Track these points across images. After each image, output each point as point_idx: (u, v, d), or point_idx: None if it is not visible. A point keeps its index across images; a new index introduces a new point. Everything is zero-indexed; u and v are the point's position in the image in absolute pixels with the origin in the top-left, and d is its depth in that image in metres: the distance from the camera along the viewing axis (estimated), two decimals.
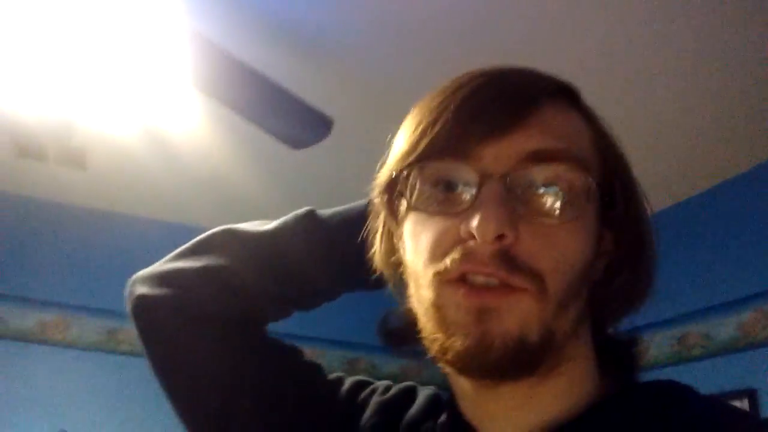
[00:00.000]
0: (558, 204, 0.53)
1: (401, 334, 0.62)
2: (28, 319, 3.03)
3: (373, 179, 0.62)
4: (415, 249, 0.56)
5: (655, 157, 2.52)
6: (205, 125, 2.45)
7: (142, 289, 0.74)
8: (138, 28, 1.70)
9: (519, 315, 0.51)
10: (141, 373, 2.98)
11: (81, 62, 1.89)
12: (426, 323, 0.55)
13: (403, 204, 0.57)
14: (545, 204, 0.53)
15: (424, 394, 0.70)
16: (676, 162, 2.60)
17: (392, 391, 0.72)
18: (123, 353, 3.09)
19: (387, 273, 0.63)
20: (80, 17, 1.68)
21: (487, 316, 0.51)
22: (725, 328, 2.61)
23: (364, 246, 0.65)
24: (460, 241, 0.52)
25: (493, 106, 0.53)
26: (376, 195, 0.61)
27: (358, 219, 0.68)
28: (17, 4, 1.65)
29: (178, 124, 2.47)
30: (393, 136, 0.62)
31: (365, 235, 0.66)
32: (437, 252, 0.53)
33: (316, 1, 1.97)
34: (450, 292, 0.53)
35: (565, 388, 0.57)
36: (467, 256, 0.52)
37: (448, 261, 0.52)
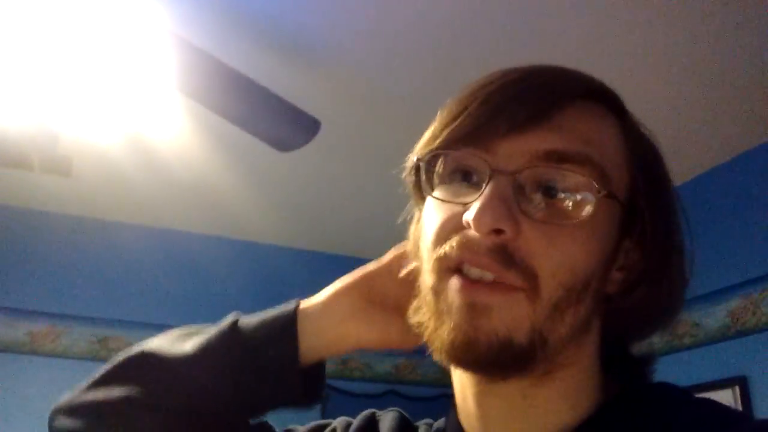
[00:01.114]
0: (565, 207, 0.53)
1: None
2: (17, 330, 3.00)
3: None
4: (424, 232, 0.57)
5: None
6: (189, 130, 2.44)
7: (64, 422, 0.72)
8: (122, 33, 1.68)
9: (509, 315, 0.51)
10: None
11: (64, 69, 1.88)
12: (424, 307, 0.56)
13: (425, 187, 0.59)
14: (552, 205, 0.53)
15: (387, 417, 0.70)
16: (665, 149, 2.61)
17: (353, 426, 0.71)
18: None
19: (414, 250, 0.63)
20: (63, 25, 1.67)
21: (477, 313, 0.51)
22: (715, 316, 2.63)
23: (292, 362, 0.65)
24: (460, 228, 0.53)
25: (515, 103, 0.54)
26: (404, 178, 0.62)
27: (283, 330, 0.66)
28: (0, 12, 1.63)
29: (162, 130, 2.46)
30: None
31: (290, 348, 0.65)
32: (440, 236, 0.55)
33: (303, 4, 1.97)
34: (447, 281, 0.53)
35: (563, 393, 0.57)
36: (465, 244, 0.52)
37: (447, 247, 0.53)
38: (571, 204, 0.52)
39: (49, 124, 2.28)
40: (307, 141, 1.96)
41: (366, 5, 1.97)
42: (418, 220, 0.62)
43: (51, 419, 0.74)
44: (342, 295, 0.68)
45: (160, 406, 0.68)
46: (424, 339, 0.56)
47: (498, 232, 0.51)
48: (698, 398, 0.57)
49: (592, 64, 2.13)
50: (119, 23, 1.66)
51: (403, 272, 0.67)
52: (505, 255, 0.51)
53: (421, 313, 0.57)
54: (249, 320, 0.69)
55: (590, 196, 0.52)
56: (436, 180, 0.57)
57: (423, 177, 0.58)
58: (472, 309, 0.51)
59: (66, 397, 0.74)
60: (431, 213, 0.57)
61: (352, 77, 2.25)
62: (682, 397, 0.57)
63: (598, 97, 0.58)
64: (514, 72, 0.57)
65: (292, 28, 2.05)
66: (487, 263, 0.51)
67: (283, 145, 1.99)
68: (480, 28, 2.03)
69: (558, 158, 0.53)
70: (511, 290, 0.52)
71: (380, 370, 3.52)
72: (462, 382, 0.60)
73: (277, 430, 0.74)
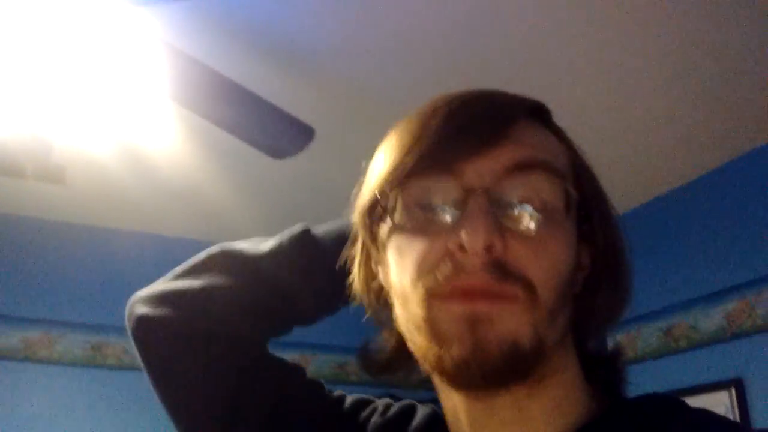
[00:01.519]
0: (540, 213, 0.54)
1: (383, 362, 0.64)
2: (12, 338, 2.99)
3: (352, 195, 0.62)
4: (401, 268, 0.56)
5: (638, 152, 2.53)
6: (182, 138, 2.44)
7: (143, 310, 0.74)
8: (115, 43, 1.68)
9: (511, 321, 0.52)
10: (128, 386, 2.98)
11: (57, 78, 1.87)
12: (418, 339, 0.55)
13: (385, 226, 0.58)
14: (529, 214, 0.54)
15: (422, 413, 0.70)
16: (659, 156, 2.62)
17: (391, 411, 0.71)
18: (110, 367, 3.06)
19: (367, 299, 0.63)
20: (56, 34, 1.66)
21: (480, 324, 0.51)
22: (711, 318, 2.64)
23: None
24: (448, 254, 0.52)
25: (473, 125, 0.55)
26: (356, 219, 0.61)
27: (348, 236, 0.68)
28: None
29: (156, 138, 2.45)
30: (374, 145, 0.63)
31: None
32: (424, 267, 0.53)
33: (296, 12, 1.96)
34: (442, 305, 0.53)
35: (555, 402, 0.57)
36: (458, 270, 0.52)
37: (438, 276, 0.52)
38: (546, 210, 0.54)
39: (42, 132, 2.27)
40: (301, 148, 1.96)
41: (360, 13, 1.96)
42: (380, 261, 0.60)
43: (130, 308, 0.76)
44: None
45: (238, 297, 0.72)
46: (429, 365, 0.55)
47: (489, 249, 0.51)
48: (693, 408, 0.57)
49: (574, 71, 2.13)
50: (112, 33, 1.66)
51: None
52: (499, 268, 0.52)
53: (419, 345, 0.55)
54: (318, 228, 0.76)
55: (560, 198, 0.54)
56: (399, 214, 0.55)
57: (389, 211, 0.56)
58: (475, 321, 0.51)
59: (146, 289, 0.77)
60: (405, 246, 0.55)
61: (346, 84, 2.25)
62: (678, 407, 0.57)
63: (537, 114, 0.60)
64: (457, 97, 0.58)
65: (285, 36, 2.05)
66: (487, 281, 0.51)
67: (278, 152, 1.98)
68: (474, 35, 2.03)
69: (524, 167, 0.54)
70: (509, 299, 0.52)
71: None
72: (454, 403, 0.60)
73: (328, 390, 0.76)
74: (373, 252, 0.61)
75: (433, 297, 0.53)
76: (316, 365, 3.38)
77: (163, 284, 0.76)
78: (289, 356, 0.76)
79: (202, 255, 0.76)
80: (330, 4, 1.94)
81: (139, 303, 0.75)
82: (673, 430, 0.55)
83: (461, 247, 0.51)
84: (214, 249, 0.76)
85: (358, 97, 2.31)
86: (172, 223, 3.22)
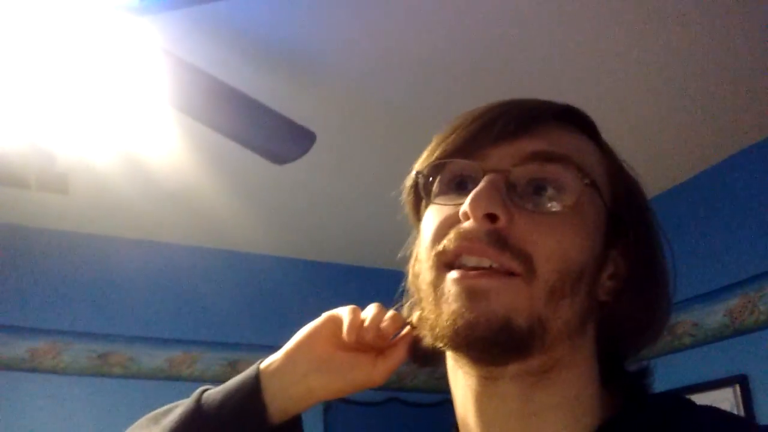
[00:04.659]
0: (554, 199, 0.57)
1: (430, 353, 0.65)
2: (18, 348, 3.00)
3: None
4: (424, 237, 0.61)
5: (636, 150, 2.53)
6: (183, 145, 2.45)
7: None
8: (116, 52, 1.69)
9: (507, 297, 0.54)
10: (135, 394, 2.99)
11: (60, 88, 1.88)
12: (425, 304, 0.59)
13: (423, 204, 0.63)
14: (541, 198, 0.57)
15: None
16: (658, 153, 2.63)
17: None
18: (116, 376, 3.07)
19: (413, 285, 0.65)
20: (58, 43, 1.67)
21: (476, 297, 0.54)
22: (714, 315, 2.64)
23: (262, 419, 0.65)
24: (457, 223, 0.57)
25: (503, 119, 0.59)
26: (404, 199, 0.67)
27: (247, 400, 0.66)
28: None
29: (158, 146, 2.46)
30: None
31: (257, 418, 0.65)
32: (438, 234, 0.58)
33: (297, 18, 1.98)
34: (445, 274, 0.57)
35: (565, 400, 0.58)
36: (461, 235, 0.56)
37: (445, 241, 0.57)
38: (558, 195, 0.57)
39: (45, 143, 2.29)
40: (303, 153, 1.97)
41: (361, 18, 1.98)
42: (417, 237, 0.65)
43: None
44: (302, 347, 0.68)
45: None
46: (426, 332, 0.59)
47: (492, 218, 0.55)
48: (703, 406, 0.58)
49: (572, 69, 2.14)
50: (112, 42, 1.67)
51: (368, 320, 0.67)
52: (499, 240, 0.55)
53: (424, 310, 0.59)
54: (214, 396, 0.68)
55: (574, 186, 0.57)
56: (434, 192, 0.61)
57: (422, 191, 0.62)
58: (470, 294, 0.54)
59: None
60: (430, 218, 0.60)
61: (346, 89, 2.26)
62: (688, 407, 0.58)
63: (574, 119, 0.63)
64: (498, 101, 0.62)
65: (285, 42, 2.06)
66: (484, 249, 0.55)
67: (279, 158, 1.99)
68: (475, 44, 2.04)
69: (544, 158, 0.58)
70: (508, 275, 0.55)
71: None
72: (462, 387, 0.61)
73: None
74: (416, 227, 0.66)
75: (440, 263, 0.57)
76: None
77: None
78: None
79: None
80: (330, 9, 1.95)
81: None
82: (686, 429, 0.56)
83: (466, 215, 0.56)
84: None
85: (358, 102, 2.32)
86: (174, 231, 3.23)
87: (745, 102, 2.35)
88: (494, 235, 0.55)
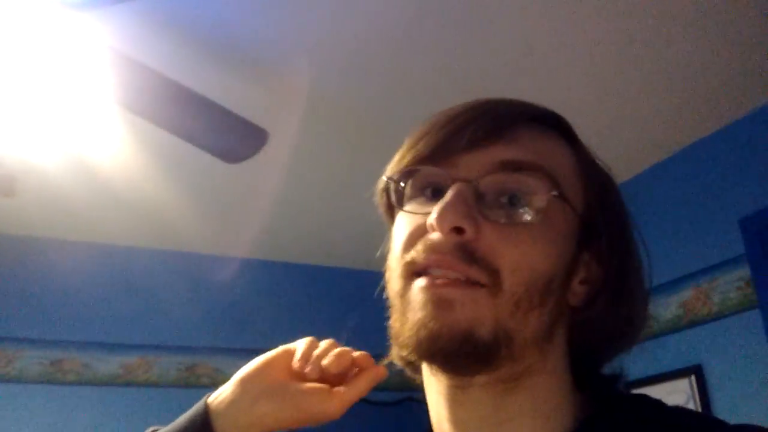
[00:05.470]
0: (521, 209, 0.57)
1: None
2: None
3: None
4: (394, 244, 0.61)
5: (589, 144, 2.55)
6: (132, 145, 2.40)
7: None
8: (60, 50, 1.65)
9: (471, 309, 0.54)
10: (90, 401, 2.92)
11: (3, 89, 1.83)
12: (393, 312, 0.60)
13: (395, 210, 0.64)
14: (509, 209, 0.57)
15: None
16: (610, 146, 2.65)
17: None
18: (69, 383, 3.00)
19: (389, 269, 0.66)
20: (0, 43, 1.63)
21: (441, 307, 0.54)
22: (668, 307, 2.68)
23: None
24: (425, 234, 0.57)
25: (473, 124, 0.59)
26: (377, 200, 0.67)
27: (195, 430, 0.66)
28: None
29: (104, 145, 2.41)
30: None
31: None
32: (408, 244, 0.58)
33: (249, 14, 1.95)
34: (413, 283, 0.57)
35: (534, 408, 0.58)
36: (429, 247, 0.56)
37: (413, 252, 0.57)
38: (526, 206, 0.57)
39: None
40: (255, 151, 1.94)
41: (315, 16, 1.95)
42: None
43: None
44: (254, 376, 0.68)
45: None
46: (393, 339, 0.59)
47: (459, 230, 0.55)
48: (674, 407, 0.58)
49: (537, 64, 2.15)
50: (55, 39, 1.63)
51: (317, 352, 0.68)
52: (466, 252, 0.55)
53: (392, 318, 0.59)
54: None
55: (542, 197, 0.57)
56: (404, 198, 0.61)
57: (393, 196, 0.62)
58: (435, 304, 0.54)
59: None
60: (400, 225, 0.61)
61: (299, 87, 2.24)
62: (658, 408, 0.59)
63: (549, 122, 0.63)
64: (471, 102, 0.62)
65: (238, 39, 2.03)
66: (451, 263, 0.55)
67: (231, 156, 1.96)
68: (431, 43, 2.04)
69: (513, 167, 0.57)
70: (473, 286, 0.54)
71: None
72: (435, 393, 0.61)
73: None
74: (390, 229, 0.66)
75: (408, 271, 0.57)
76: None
77: None
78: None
79: None
80: (282, 4, 1.92)
81: None
82: (658, 430, 0.56)
83: (433, 227, 0.56)
84: None
85: (313, 99, 2.30)
86: (126, 233, 3.17)
87: (695, 95, 2.39)
88: (461, 248, 0.55)
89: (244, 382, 0.67)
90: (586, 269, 0.60)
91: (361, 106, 2.29)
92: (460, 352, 0.53)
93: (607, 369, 0.64)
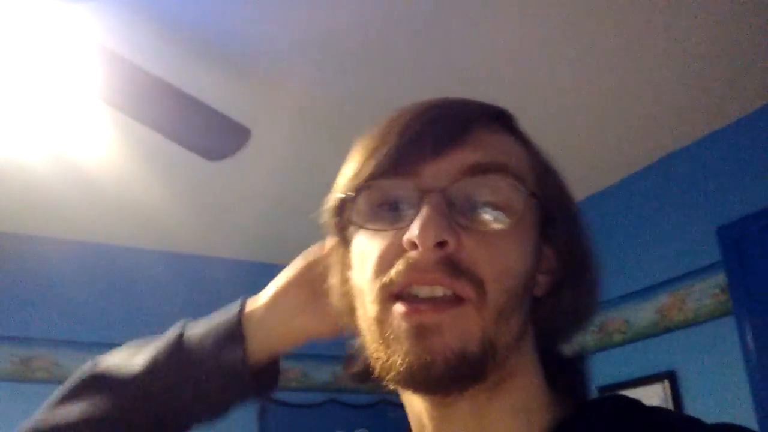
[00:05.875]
0: (496, 213, 0.55)
1: (361, 371, 0.63)
2: None
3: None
4: (361, 266, 0.57)
5: (568, 152, 2.57)
6: (115, 142, 2.38)
7: None
8: (46, 45, 1.63)
9: (460, 328, 0.52)
10: None
11: None
12: (369, 340, 0.56)
13: (352, 229, 0.59)
14: (484, 214, 0.55)
15: None
16: (589, 155, 2.68)
17: None
18: (39, 381, 2.95)
19: (341, 304, 0.63)
20: None
21: (429, 334, 0.52)
22: (643, 313, 2.71)
23: (242, 367, 0.69)
24: (403, 252, 0.54)
25: (432, 129, 0.56)
26: (326, 220, 0.62)
27: (228, 338, 0.70)
28: None
29: (87, 142, 2.38)
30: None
31: (238, 354, 0.69)
32: (382, 266, 0.55)
33: (233, 13, 1.93)
34: (391, 307, 0.54)
35: (516, 407, 0.58)
36: (411, 266, 0.53)
37: (392, 273, 0.54)
38: (501, 210, 0.55)
39: None
40: (237, 149, 1.93)
41: (298, 15, 1.94)
42: (349, 262, 0.61)
43: None
44: (286, 291, 0.71)
45: (120, 422, 0.70)
46: (378, 371, 0.55)
47: (441, 245, 0.52)
48: (652, 407, 0.58)
49: (515, 66, 2.16)
50: (40, 33, 1.60)
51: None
52: (452, 266, 0.52)
53: (369, 347, 0.57)
54: (195, 330, 0.72)
55: (516, 198, 0.55)
56: (362, 215, 0.57)
57: (353, 215, 0.58)
58: (422, 332, 0.52)
59: (27, 423, 0.76)
60: (366, 246, 0.57)
61: (282, 87, 2.23)
62: (637, 408, 0.58)
63: (497, 119, 0.61)
64: (421, 105, 0.59)
65: (219, 36, 2.01)
66: (437, 278, 0.52)
67: (213, 154, 1.95)
68: (414, 43, 2.03)
69: (481, 170, 0.55)
70: (458, 304, 0.53)
71: (318, 380, 3.48)
72: (417, 410, 0.60)
73: None
74: (344, 255, 0.62)
75: (386, 295, 0.54)
76: None
77: (42, 417, 0.74)
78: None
79: (75, 379, 0.73)
80: (266, 3, 1.91)
81: None
82: (637, 429, 0.56)
83: (413, 245, 0.52)
84: (86, 371, 0.73)
85: (295, 99, 2.29)
86: (105, 230, 3.13)
87: (674, 105, 2.41)
88: (446, 262, 0.52)
89: (283, 292, 0.71)
90: (546, 259, 0.60)
91: (350, 104, 2.28)
92: (456, 375, 0.52)
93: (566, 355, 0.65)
